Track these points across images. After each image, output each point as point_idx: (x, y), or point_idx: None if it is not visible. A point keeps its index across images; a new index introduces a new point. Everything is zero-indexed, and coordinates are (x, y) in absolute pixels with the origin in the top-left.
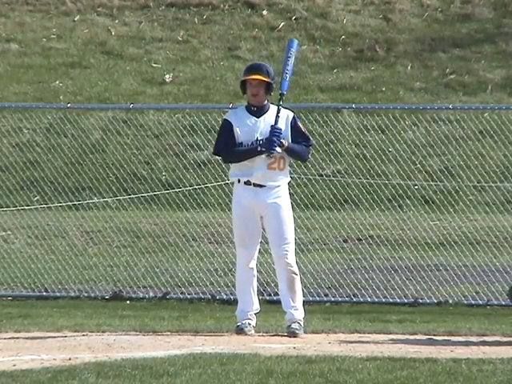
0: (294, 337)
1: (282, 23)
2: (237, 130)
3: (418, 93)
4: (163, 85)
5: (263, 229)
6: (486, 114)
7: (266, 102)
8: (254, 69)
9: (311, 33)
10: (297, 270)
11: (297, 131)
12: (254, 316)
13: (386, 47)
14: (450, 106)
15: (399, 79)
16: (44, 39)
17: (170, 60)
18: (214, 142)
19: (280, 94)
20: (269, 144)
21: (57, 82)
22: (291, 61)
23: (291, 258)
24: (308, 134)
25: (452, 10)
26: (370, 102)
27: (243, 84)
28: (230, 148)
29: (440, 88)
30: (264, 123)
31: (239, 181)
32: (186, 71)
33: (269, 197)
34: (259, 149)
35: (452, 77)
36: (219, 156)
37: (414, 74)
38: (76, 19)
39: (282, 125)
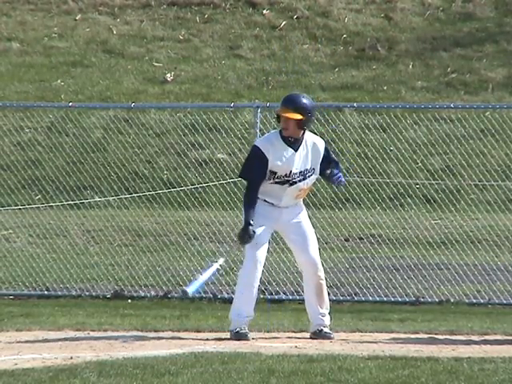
0: (330, 339)
1: (284, 22)
2: (271, 161)
3: (420, 92)
4: (164, 84)
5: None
6: (487, 113)
7: (302, 133)
8: (285, 103)
9: (312, 32)
10: (323, 276)
11: (329, 159)
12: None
13: (387, 46)
14: (452, 105)
15: (401, 78)
16: (45, 38)
17: (171, 59)
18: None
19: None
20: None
21: (58, 81)
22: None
23: (320, 264)
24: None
25: (453, 9)
26: (371, 100)
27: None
28: (256, 186)
29: (441, 87)
30: (300, 156)
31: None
32: (187, 70)
33: (292, 211)
34: (250, 231)
35: (453, 76)
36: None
37: (416, 73)
38: (77, 18)
39: (309, 155)
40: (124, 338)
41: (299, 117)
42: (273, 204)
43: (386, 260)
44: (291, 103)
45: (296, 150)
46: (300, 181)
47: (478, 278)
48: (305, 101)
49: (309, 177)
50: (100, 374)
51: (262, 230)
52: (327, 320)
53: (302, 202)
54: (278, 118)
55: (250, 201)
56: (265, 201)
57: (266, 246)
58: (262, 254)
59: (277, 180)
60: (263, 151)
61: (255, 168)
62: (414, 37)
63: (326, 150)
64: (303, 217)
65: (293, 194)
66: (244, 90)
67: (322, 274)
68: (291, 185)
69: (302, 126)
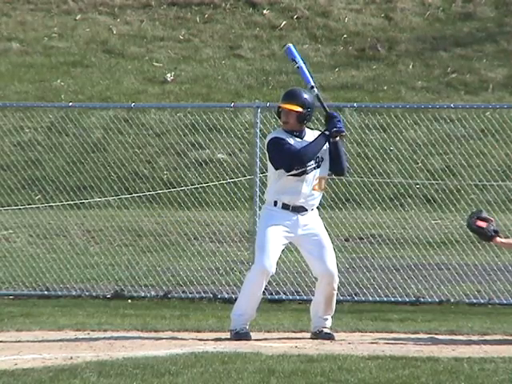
0: (330, 339)
1: (284, 22)
2: None
3: (420, 92)
4: (165, 84)
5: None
6: (487, 113)
7: (303, 128)
8: (287, 96)
9: (313, 32)
10: (337, 286)
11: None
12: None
13: (387, 46)
14: (452, 105)
15: (401, 78)
16: (45, 38)
17: (171, 59)
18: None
19: (311, 88)
20: (336, 123)
21: (58, 81)
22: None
23: (336, 275)
24: None
25: (453, 9)
26: (371, 100)
27: (279, 109)
28: (298, 151)
29: (441, 87)
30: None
31: (276, 204)
32: (187, 70)
33: (308, 218)
34: (328, 132)
35: (453, 76)
36: (285, 167)
37: (416, 73)
38: (77, 18)
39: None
40: (124, 338)
41: (300, 109)
42: (289, 207)
43: (386, 260)
44: (293, 96)
45: (302, 139)
46: (315, 168)
47: (478, 278)
48: (305, 96)
49: (319, 167)
50: (100, 374)
51: (277, 240)
52: (329, 322)
53: (317, 212)
54: (279, 114)
55: (305, 148)
56: (283, 205)
57: (277, 256)
58: (272, 264)
59: (293, 172)
60: (282, 136)
61: (286, 147)
62: (414, 37)
63: None
64: (319, 227)
65: (310, 184)
66: (244, 90)
67: (336, 284)
68: (307, 173)
69: (301, 119)
